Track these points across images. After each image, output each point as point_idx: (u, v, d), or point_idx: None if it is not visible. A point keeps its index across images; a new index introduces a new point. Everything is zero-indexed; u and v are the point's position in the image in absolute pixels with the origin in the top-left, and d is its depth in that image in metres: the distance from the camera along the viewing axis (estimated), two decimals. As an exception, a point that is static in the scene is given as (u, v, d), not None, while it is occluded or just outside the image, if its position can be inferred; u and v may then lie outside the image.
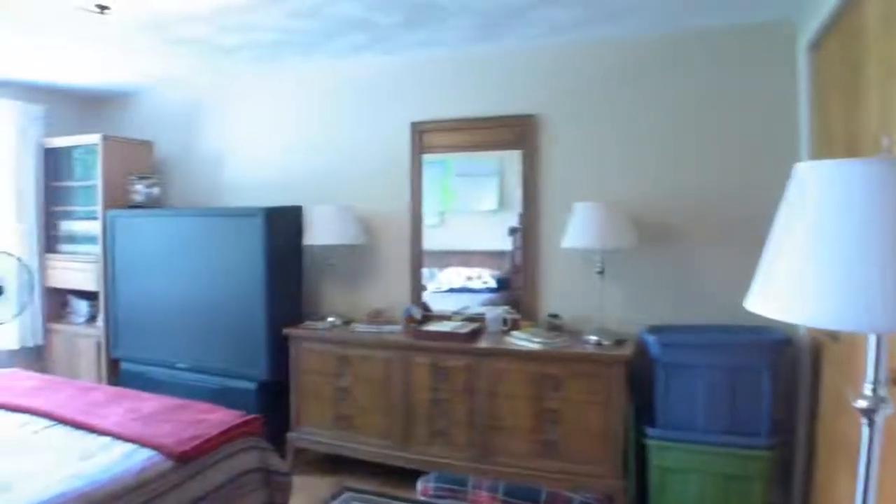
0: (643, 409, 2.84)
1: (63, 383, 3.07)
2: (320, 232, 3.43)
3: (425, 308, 3.55)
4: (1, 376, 3.13)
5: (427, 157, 3.61)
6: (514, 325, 3.23)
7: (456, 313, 3.48)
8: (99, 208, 3.94)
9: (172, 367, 3.65)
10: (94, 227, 3.99)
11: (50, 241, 4.22)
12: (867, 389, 1.01)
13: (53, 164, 4.18)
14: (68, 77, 3.98)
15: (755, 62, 2.97)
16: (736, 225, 2.97)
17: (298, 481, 2.94)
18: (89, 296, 4.12)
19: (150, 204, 3.98)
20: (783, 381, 2.74)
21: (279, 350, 3.39)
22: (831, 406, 2.26)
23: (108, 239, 3.88)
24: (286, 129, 3.97)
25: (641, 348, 2.85)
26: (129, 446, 2.25)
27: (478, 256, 3.66)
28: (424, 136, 3.59)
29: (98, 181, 3.94)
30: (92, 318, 4.11)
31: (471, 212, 3.62)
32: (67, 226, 4.19)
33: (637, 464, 2.79)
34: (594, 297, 3.06)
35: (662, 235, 3.11)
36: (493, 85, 3.44)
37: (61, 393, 2.83)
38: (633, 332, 3.00)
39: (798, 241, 0.89)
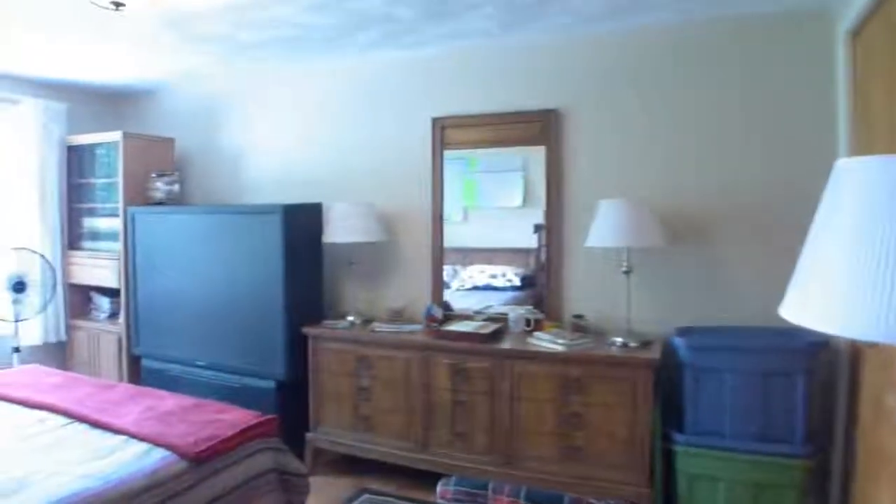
0: (670, 413, 2.78)
1: (82, 380, 3.12)
2: (340, 229, 3.43)
3: (447, 307, 3.52)
4: (22, 372, 3.20)
5: (449, 154, 3.58)
6: (538, 326, 3.19)
7: (478, 313, 3.45)
8: (120, 205, 4.00)
9: (192, 364, 3.69)
10: (116, 224, 4.05)
11: (73, 237, 4.30)
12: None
13: (76, 162, 4.26)
14: (90, 75, 4.05)
15: (790, 52, 2.87)
16: (770, 222, 2.87)
17: (316, 482, 2.95)
18: (111, 292, 4.19)
19: (170, 201, 4.03)
20: (819, 386, 2.65)
21: (298, 349, 3.40)
22: (871, 414, 2.17)
23: (129, 236, 3.93)
24: (306, 126, 3.98)
25: (669, 351, 2.78)
26: (143, 446, 2.27)
27: (502, 254, 3.62)
28: (446, 132, 3.56)
29: (119, 178, 3.99)
30: (114, 315, 4.18)
31: (495, 208, 3.58)
32: (90, 223, 4.27)
33: (663, 470, 2.73)
34: (620, 298, 2.99)
35: (692, 234, 3.03)
36: (515, 79, 3.39)
37: (80, 390, 2.88)
38: (660, 333, 2.93)
39: (837, 245, 0.83)
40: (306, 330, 3.40)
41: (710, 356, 2.60)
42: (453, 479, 2.82)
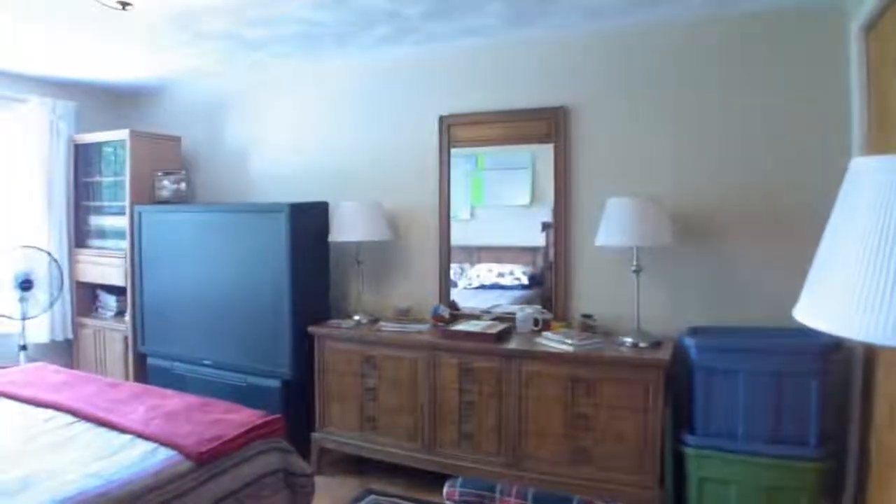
0: (681, 415, 2.75)
1: (89, 379, 3.14)
2: (347, 228, 3.43)
3: (454, 306, 3.52)
4: (28, 370, 3.22)
5: (457, 151, 3.57)
6: (546, 326, 3.18)
7: (485, 312, 3.44)
8: (127, 203, 4.02)
9: (198, 363, 3.71)
10: (123, 223, 4.07)
11: (79, 235, 4.33)
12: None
13: (83, 160, 4.29)
14: (97, 73, 4.07)
15: (801, 49, 2.84)
16: (782, 221, 2.85)
17: (322, 482, 2.95)
18: (118, 291, 4.21)
19: (177, 199, 4.04)
20: (833, 387, 2.62)
21: (304, 348, 3.40)
22: (886, 416, 2.14)
23: (135, 234, 3.95)
24: (313, 124, 3.98)
25: (680, 351, 2.76)
26: (149, 445, 2.28)
27: (509, 252, 3.61)
28: (453, 130, 3.55)
29: (126, 176, 4.01)
30: (120, 313, 4.20)
31: (502, 207, 3.57)
32: (97, 221, 4.29)
33: (674, 473, 2.71)
34: (630, 297, 2.97)
35: (703, 232, 3.01)
36: (523, 76, 3.37)
37: (86, 389, 2.89)
38: (671, 333, 2.91)
39: (855, 247, 0.82)
40: (312, 329, 3.40)
41: (721, 357, 2.58)
42: (460, 480, 2.81)
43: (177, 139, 4.29)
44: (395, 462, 3.20)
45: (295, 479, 2.55)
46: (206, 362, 3.68)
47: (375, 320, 3.49)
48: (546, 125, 3.31)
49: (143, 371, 3.97)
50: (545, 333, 3.08)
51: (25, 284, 3.89)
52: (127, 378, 3.98)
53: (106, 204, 4.22)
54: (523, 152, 3.47)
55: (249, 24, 3.05)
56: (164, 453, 2.22)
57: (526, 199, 3.49)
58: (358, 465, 3.42)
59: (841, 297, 0.82)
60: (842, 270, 0.83)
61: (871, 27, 2.45)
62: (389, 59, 3.67)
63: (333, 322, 3.49)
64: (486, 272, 3.64)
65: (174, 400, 2.77)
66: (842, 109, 2.72)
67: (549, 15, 2.98)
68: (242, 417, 2.56)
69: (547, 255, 3.44)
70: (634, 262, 2.92)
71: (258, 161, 4.18)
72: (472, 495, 2.76)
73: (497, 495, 2.71)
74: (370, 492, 3.14)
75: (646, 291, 3.00)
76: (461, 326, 3.21)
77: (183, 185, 4.07)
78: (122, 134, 4.05)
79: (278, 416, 2.62)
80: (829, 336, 2.51)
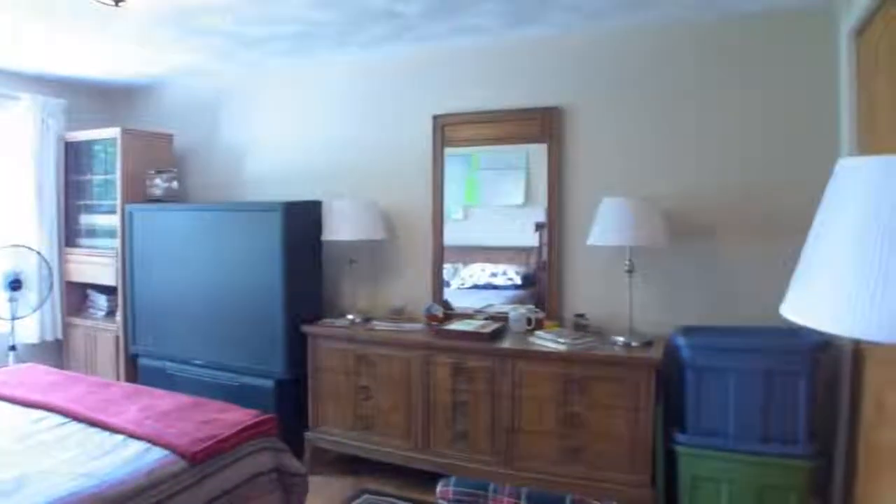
0: (673, 413, 2.79)
1: (79, 379, 3.13)
2: (341, 227, 3.45)
3: (447, 306, 3.54)
4: (18, 371, 3.22)
5: (451, 151, 3.59)
6: (539, 325, 3.21)
7: (479, 312, 3.47)
8: (118, 202, 4.01)
9: (190, 363, 3.71)
10: (114, 221, 4.07)
11: (70, 234, 4.32)
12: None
13: (73, 158, 4.28)
14: (88, 70, 4.06)
15: (792, 51, 2.89)
16: (772, 222, 2.89)
17: (315, 482, 2.97)
18: (109, 290, 4.21)
19: (169, 198, 4.04)
20: (822, 386, 2.67)
21: (298, 348, 3.42)
22: (873, 413, 2.19)
23: (127, 233, 3.95)
24: (307, 123, 4.00)
25: (671, 350, 2.80)
26: (141, 445, 2.28)
27: (503, 252, 3.64)
28: (447, 130, 3.58)
29: (117, 175, 4.01)
30: (111, 313, 4.20)
31: (496, 206, 3.59)
32: (87, 220, 4.28)
33: (666, 471, 2.75)
34: (622, 297, 3.01)
35: (695, 232, 3.05)
36: (517, 76, 3.40)
37: (78, 389, 2.89)
38: (663, 333, 2.95)
39: (840, 245, 0.85)
40: (306, 328, 3.42)
41: (712, 356, 2.62)
42: (453, 479, 2.82)
43: (169, 137, 4.29)
44: (388, 461, 3.23)
45: (288, 478, 2.56)
46: (198, 362, 3.68)
47: (369, 319, 3.51)
48: (540, 125, 3.35)
49: (134, 371, 3.96)
50: (538, 332, 3.11)
51: (15, 284, 3.88)
52: (118, 378, 3.97)
53: (97, 202, 4.22)
54: (517, 152, 3.50)
55: (245, 21, 3.06)
56: (157, 453, 2.22)
57: (520, 199, 3.52)
58: (352, 465, 3.44)
59: (826, 293, 0.85)
60: (827, 268, 0.86)
61: (860, 31, 2.50)
62: (384, 58, 3.69)
63: (327, 321, 3.51)
64: (479, 272, 3.67)
65: (166, 400, 2.77)
66: (832, 111, 2.78)
67: (545, 16, 3.01)
68: (235, 417, 2.57)
69: (540, 256, 3.47)
70: (627, 262, 2.96)
71: (251, 160, 4.19)
72: (465, 494, 2.79)
73: (490, 494, 2.73)
74: (364, 491, 3.16)
75: (638, 291, 3.04)
76: (455, 326, 3.23)
77: (175, 184, 4.07)
78: (114, 132, 4.04)
79: (271, 415, 2.64)
80: (818, 335, 2.57)
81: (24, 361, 3.70)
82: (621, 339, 2.92)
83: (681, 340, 2.70)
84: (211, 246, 3.64)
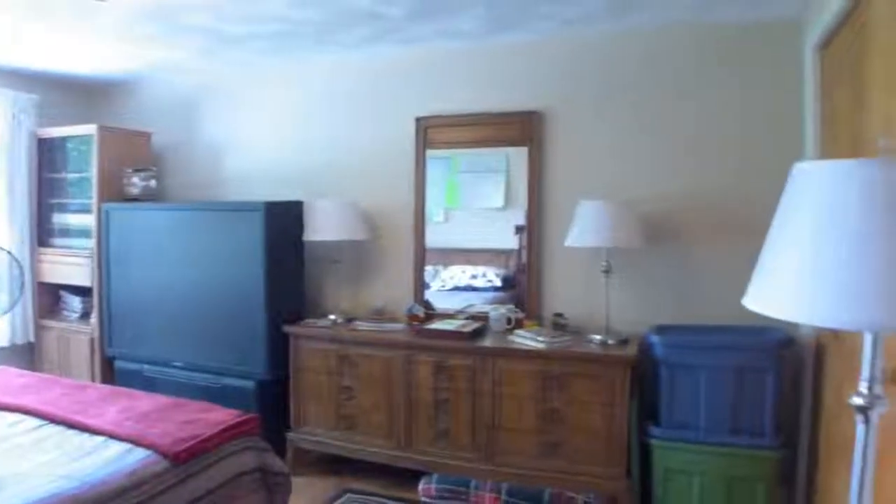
0: (647, 409, 2.93)
1: (54, 381, 3.09)
2: (323, 227, 3.51)
3: (428, 306, 3.63)
4: (-9, 374, 3.18)
5: (432, 153, 3.69)
6: (518, 324, 3.32)
7: (459, 312, 3.57)
8: (94, 201, 4.01)
9: (169, 365, 3.73)
10: (89, 221, 4.06)
11: (42, 234, 4.29)
12: (863, 387, 1.09)
13: (47, 155, 4.24)
14: (64, 64, 4.02)
15: (762, 61, 3.06)
16: (743, 225, 3.05)
17: (298, 482, 3.01)
18: (83, 291, 4.19)
19: (147, 197, 4.05)
20: (787, 381, 2.84)
21: (279, 348, 3.47)
22: (833, 406, 2.35)
23: (103, 233, 3.95)
24: (289, 122, 4.05)
25: (646, 348, 2.94)
26: (123, 446, 2.28)
27: (483, 254, 3.74)
28: (429, 132, 3.67)
29: (93, 173, 4.00)
30: (85, 315, 4.18)
31: (476, 209, 3.70)
32: (61, 219, 4.26)
33: (641, 464, 2.88)
34: (599, 297, 3.14)
35: (669, 235, 3.20)
36: (499, 80, 3.52)
37: (53, 391, 2.85)
38: (638, 331, 3.09)
39: (795, 240, 0.98)
40: (288, 328, 3.48)
41: (684, 353, 2.77)
42: (435, 476, 2.93)
43: (146, 135, 4.30)
44: (371, 460, 3.30)
45: (271, 478, 2.60)
46: (177, 364, 3.70)
47: (351, 319, 3.58)
48: (521, 129, 3.47)
49: (110, 374, 3.96)
50: (518, 331, 3.22)
51: (-15, 284, 3.84)
52: (93, 382, 3.96)
53: (71, 201, 4.20)
54: (497, 155, 3.61)
55: (228, 20, 3.09)
56: (139, 453, 2.23)
57: (500, 202, 3.63)
58: (334, 465, 3.50)
59: (783, 284, 0.98)
60: (784, 261, 0.98)
61: (824, 46, 2.68)
62: (367, 59, 3.77)
63: (309, 321, 3.57)
64: (459, 274, 3.77)
65: (146, 401, 2.77)
66: (799, 119, 2.96)
67: (527, 22, 3.13)
68: (218, 417, 2.59)
69: (520, 258, 3.59)
70: (604, 263, 3.09)
71: (231, 159, 4.22)
72: (447, 491, 2.90)
73: (472, 490, 2.85)
74: (346, 491, 3.23)
75: (614, 291, 3.17)
76: (436, 325, 3.33)
77: (153, 183, 4.08)
78: (89, 128, 4.03)
79: (254, 415, 2.67)
80: (784, 332, 2.74)
81: (-6, 364, 3.67)
82: (598, 337, 3.05)
83: (655, 338, 2.84)
84: (191, 246, 3.67)
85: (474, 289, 3.71)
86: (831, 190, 0.96)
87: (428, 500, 2.93)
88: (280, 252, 3.55)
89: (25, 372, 3.30)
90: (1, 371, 3.27)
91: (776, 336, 2.73)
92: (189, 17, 3.06)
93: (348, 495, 3.19)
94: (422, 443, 3.18)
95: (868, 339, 1.05)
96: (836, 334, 2.35)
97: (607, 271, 3.09)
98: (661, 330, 2.93)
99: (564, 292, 3.41)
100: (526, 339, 3.11)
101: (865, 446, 1.12)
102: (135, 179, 4.02)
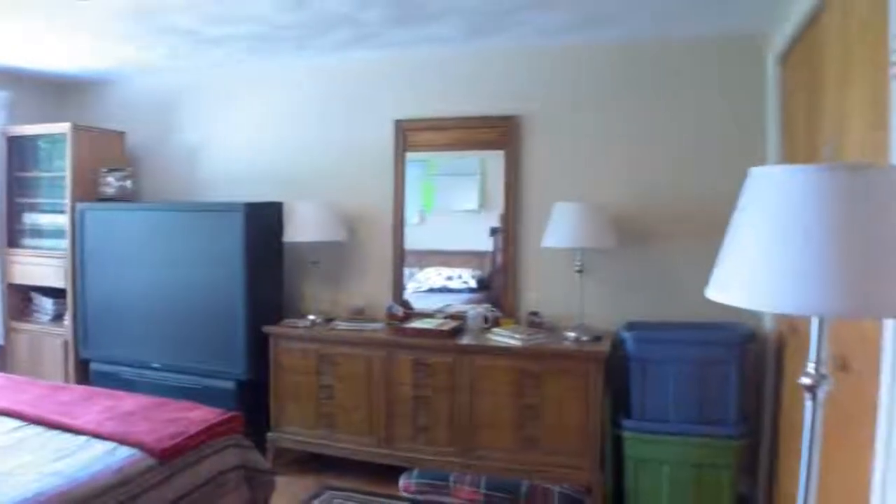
0: (619, 402, 3.09)
1: (29, 383, 3.09)
2: (303, 228, 3.58)
3: (407, 306, 3.73)
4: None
5: (409, 156, 3.79)
6: (495, 323, 3.45)
7: (438, 311, 3.68)
8: (67, 201, 4.00)
9: (147, 367, 3.75)
10: (61, 221, 4.05)
11: (13, 234, 4.25)
12: (810, 368, 1.24)
13: (17, 154, 4.21)
14: (36, 62, 3.98)
15: (727, 72, 3.27)
16: (708, 226, 3.20)
17: (279, 481, 3.05)
18: (55, 293, 4.17)
19: (122, 197, 4.06)
20: (750, 373, 3.03)
21: (259, 348, 3.53)
22: (792, 395, 2.53)
23: (78, 233, 3.94)
24: (268, 124, 4.10)
25: (618, 344, 3.10)
26: (107, 445, 2.31)
27: (458, 256, 3.85)
28: (408, 135, 3.78)
29: (67, 172, 3.99)
30: (58, 317, 4.16)
31: (451, 211, 3.82)
32: (32, 219, 4.23)
33: (614, 456, 3.04)
34: (573, 295, 3.29)
35: (640, 236, 3.37)
36: (477, 85, 3.66)
37: (29, 393, 2.86)
38: (610, 328, 3.25)
39: (750, 236, 1.12)
40: (267, 329, 3.54)
41: (654, 348, 2.93)
42: (415, 472, 3.05)
43: (121, 134, 4.30)
44: (352, 458, 3.39)
45: (255, 475, 2.67)
46: (155, 366, 3.73)
47: (330, 320, 3.66)
48: (498, 133, 3.60)
49: (84, 377, 3.95)
50: (495, 330, 3.35)
51: (-46, 286, 3.81)
52: (68, 384, 3.94)
53: (43, 201, 4.18)
54: (473, 158, 3.74)
55: (209, 21, 3.13)
56: (124, 451, 2.26)
57: (474, 205, 3.75)
58: (315, 464, 3.57)
59: (741, 275, 1.12)
60: (741, 255, 1.13)
61: (784, 58, 2.88)
62: (347, 63, 3.85)
63: (289, 322, 3.64)
64: (435, 276, 3.87)
65: (129, 400, 2.80)
66: (761, 126, 3.17)
67: (504, 30, 3.26)
68: (201, 415, 2.64)
69: (495, 259, 3.71)
70: (578, 263, 3.24)
71: (208, 160, 4.26)
72: (427, 486, 3.01)
73: (451, 484, 2.97)
74: (328, 488, 3.31)
75: (588, 290, 3.33)
76: (416, 324, 3.43)
77: (129, 183, 4.09)
78: (62, 127, 4.01)
79: (237, 413, 2.74)
80: (746, 327, 2.93)
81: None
82: (572, 334, 3.19)
83: (626, 335, 3.00)
84: (170, 246, 3.70)
85: (450, 290, 3.82)
86: (780, 192, 1.11)
87: (408, 495, 3.03)
88: (259, 253, 3.61)
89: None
90: (-28, 374, 3.25)
91: (740, 331, 2.91)
92: (169, 18, 3.09)
93: (329, 493, 3.27)
94: (402, 439, 3.28)
95: (815, 323, 1.20)
96: (794, 329, 2.53)
97: (581, 271, 3.24)
98: (633, 326, 3.09)
99: (540, 291, 3.55)
100: (503, 337, 3.24)
101: (813, 422, 1.27)
102: (110, 179, 4.03)
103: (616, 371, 3.13)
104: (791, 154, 2.77)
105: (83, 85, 4.57)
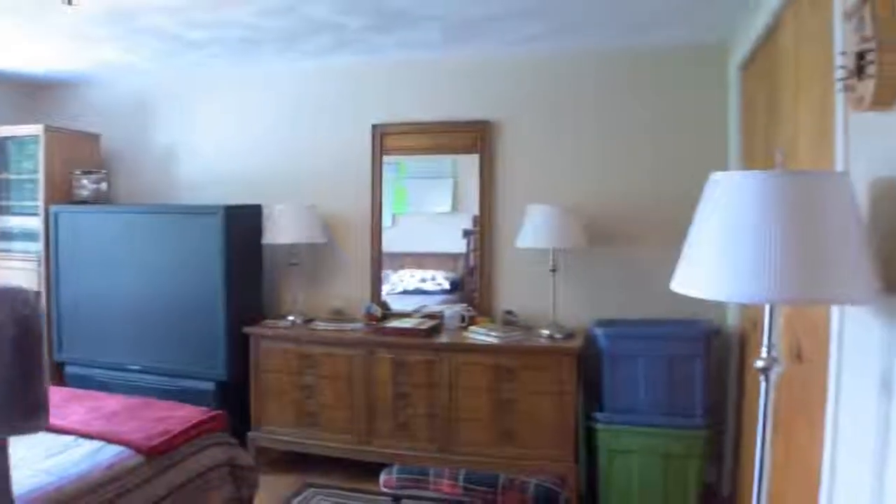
0: (592, 396, 3.23)
1: None
2: (281, 230, 3.64)
3: (385, 306, 3.83)
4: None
5: (385, 159, 3.88)
6: (472, 321, 3.57)
7: (415, 311, 3.78)
8: (40, 203, 3.99)
9: (124, 369, 3.76)
10: (33, 223, 4.03)
11: (-18, 237, 4.22)
12: (763, 351, 1.38)
13: (-14, 157, 4.19)
14: (8, 63, 3.95)
15: (694, 80, 3.45)
16: (675, 227, 3.34)
17: (261, 480, 3.13)
18: (28, 296, 4.14)
19: (97, 199, 4.06)
20: (715, 367, 3.20)
21: (239, 349, 3.59)
22: (754, 387, 2.69)
23: (52, 236, 3.94)
24: (247, 127, 4.15)
25: (590, 341, 3.25)
26: (94, 444, 2.37)
27: (431, 258, 3.95)
28: (385, 139, 3.87)
29: (40, 175, 3.98)
30: (31, 320, 4.14)
31: (424, 214, 3.92)
32: (2, 221, 4.20)
33: (587, 447, 3.18)
34: (547, 294, 3.42)
35: (610, 236, 3.53)
36: (453, 90, 3.78)
37: None
38: (583, 325, 3.40)
39: (709, 234, 1.26)
40: (248, 329, 3.60)
41: (624, 344, 3.09)
42: (395, 467, 3.15)
43: (95, 136, 4.30)
44: (333, 456, 3.47)
45: (239, 472, 2.74)
46: (134, 368, 3.74)
47: (310, 320, 3.73)
48: (473, 137, 3.73)
49: (59, 380, 3.94)
50: (471, 328, 3.47)
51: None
52: (41, 386, 3.93)
53: (13, 203, 4.15)
54: (445, 161, 3.85)
55: (192, 24, 3.17)
56: (112, 449, 2.33)
57: (447, 207, 3.86)
58: (296, 463, 3.64)
59: (701, 269, 1.25)
60: (701, 250, 1.26)
61: (745, 67, 3.06)
62: (327, 67, 3.93)
63: (269, 323, 3.70)
64: (409, 277, 3.97)
65: (112, 401, 2.85)
66: (725, 132, 3.37)
67: (480, 37, 3.38)
68: (186, 414, 2.72)
69: (468, 261, 3.83)
70: (551, 263, 3.38)
71: (184, 163, 4.28)
72: (407, 481, 3.12)
73: (431, 478, 3.08)
74: (309, 485, 3.38)
75: (561, 289, 3.47)
76: (394, 323, 3.53)
77: (104, 185, 4.10)
78: (34, 129, 3.99)
79: (221, 411, 2.81)
80: (711, 323, 3.11)
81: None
82: (546, 331, 3.33)
83: (598, 331, 3.15)
84: (148, 248, 3.73)
85: (423, 292, 3.91)
86: (735, 195, 1.25)
87: (389, 490, 3.13)
88: (239, 254, 3.67)
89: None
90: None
91: (705, 327, 3.09)
92: (149, 20, 3.10)
93: (311, 490, 3.34)
94: (382, 436, 3.38)
95: (766, 311, 1.34)
96: (754, 324, 2.70)
97: (554, 270, 3.38)
98: (604, 323, 3.24)
99: (514, 291, 3.68)
100: (480, 335, 3.36)
101: (766, 401, 1.42)
102: (84, 182, 4.04)
103: (589, 366, 3.28)
104: (751, 158, 2.95)
105: (56, 86, 4.55)
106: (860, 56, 1.30)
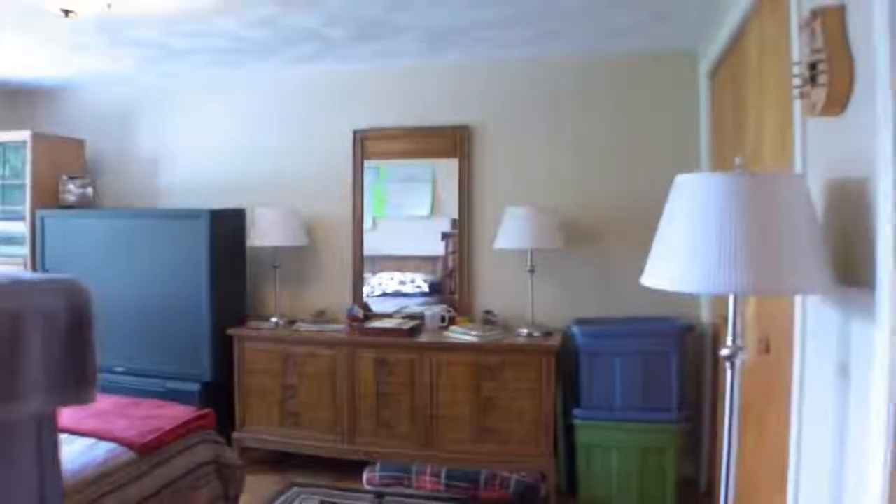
0: (570, 393, 3.29)
1: None
2: (265, 234, 3.66)
3: (366, 308, 3.85)
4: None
5: (366, 163, 3.92)
6: (452, 321, 3.61)
7: (396, 312, 3.81)
8: (26, 208, 3.96)
9: (109, 371, 3.72)
10: (19, 228, 4.00)
11: (-35, 243, 4.17)
12: (729, 340, 1.44)
13: (-31, 162, 4.15)
14: None
15: (667, 85, 3.54)
16: (650, 228, 3.43)
17: (246, 479, 3.14)
18: (11, 301, 4.10)
19: (83, 204, 4.05)
20: (690, 363, 3.28)
21: (223, 351, 3.59)
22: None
23: (38, 240, 3.91)
24: (230, 132, 4.16)
25: (568, 339, 3.30)
26: (86, 441, 2.36)
27: (410, 261, 3.99)
28: (367, 144, 3.91)
29: (26, 180, 3.96)
30: (14, 324, 4.09)
31: (403, 217, 3.95)
32: (-14, 227, 4.16)
33: (566, 442, 3.23)
34: (525, 294, 3.47)
35: (587, 237, 3.60)
36: (434, 96, 3.82)
37: None
38: (561, 324, 3.45)
39: (675, 231, 1.31)
40: (232, 331, 3.60)
41: (601, 342, 3.14)
42: (378, 465, 3.17)
43: (81, 142, 4.28)
44: (317, 455, 3.48)
45: (226, 469, 2.75)
46: (119, 370, 3.72)
47: (293, 322, 3.75)
48: (452, 142, 3.78)
49: (42, 382, 3.91)
50: (452, 328, 3.51)
51: None
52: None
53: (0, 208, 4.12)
54: (424, 165, 3.89)
55: (178, 34, 3.20)
56: (104, 446, 2.33)
57: (426, 210, 3.90)
58: (280, 462, 3.64)
59: (669, 263, 1.31)
60: (669, 246, 1.32)
61: (713, 73, 3.15)
62: (310, 74, 3.96)
63: (253, 324, 3.71)
64: (388, 280, 3.99)
65: (102, 400, 2.80)
66: (696, 136, 3.46)
67: (460, 45, 3.44)
68: (175, 412, 2.73)
69: (447, 263, 3.87)
70: (529, 264, 3.43)
71: (169, 168, 4.28)
72: (390, 478, 3.15)
73: (413, 475, 3.11)
74: (294, 484, 3.39)
75: (539, 288, 3.52)
76: (376, 324, 3.55)
77: (90, 190, 4.08)
78: (22, 135, 3.97)
79: (209, 410, 2.82)
80: (686, 320, 3.18)
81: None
82: (525, 330, 3.38)
83: (576, 330, 3.20)
84: (133, 253, 3.72)
85: (403, 294, 3.94)
86: (699, 195, 1.31)
87: (372, 487, 3.16)
88: (224, 257, 3.67)
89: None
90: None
91: (679, 324, 3.16)
92: (136, 30, 3.13)
93: (295, 489, 3.34)
94: (365, 435, 3.40)
95: (731, 301, 1.40)
96: (726, 320, 2.77)
97: (532, 271, 3.43)
98: (581, 322, 3.30)
99: (493, 291, 3.73)
100: (460, 334, 3.40)
101: (732, 388, 1.48)
102: (70, 186, 4.02)
103: (567, 364, 3.33)
104: (720, 161, 3.04)
105: (42, 92, 4.52)
106: (812, 66, 1.37)
